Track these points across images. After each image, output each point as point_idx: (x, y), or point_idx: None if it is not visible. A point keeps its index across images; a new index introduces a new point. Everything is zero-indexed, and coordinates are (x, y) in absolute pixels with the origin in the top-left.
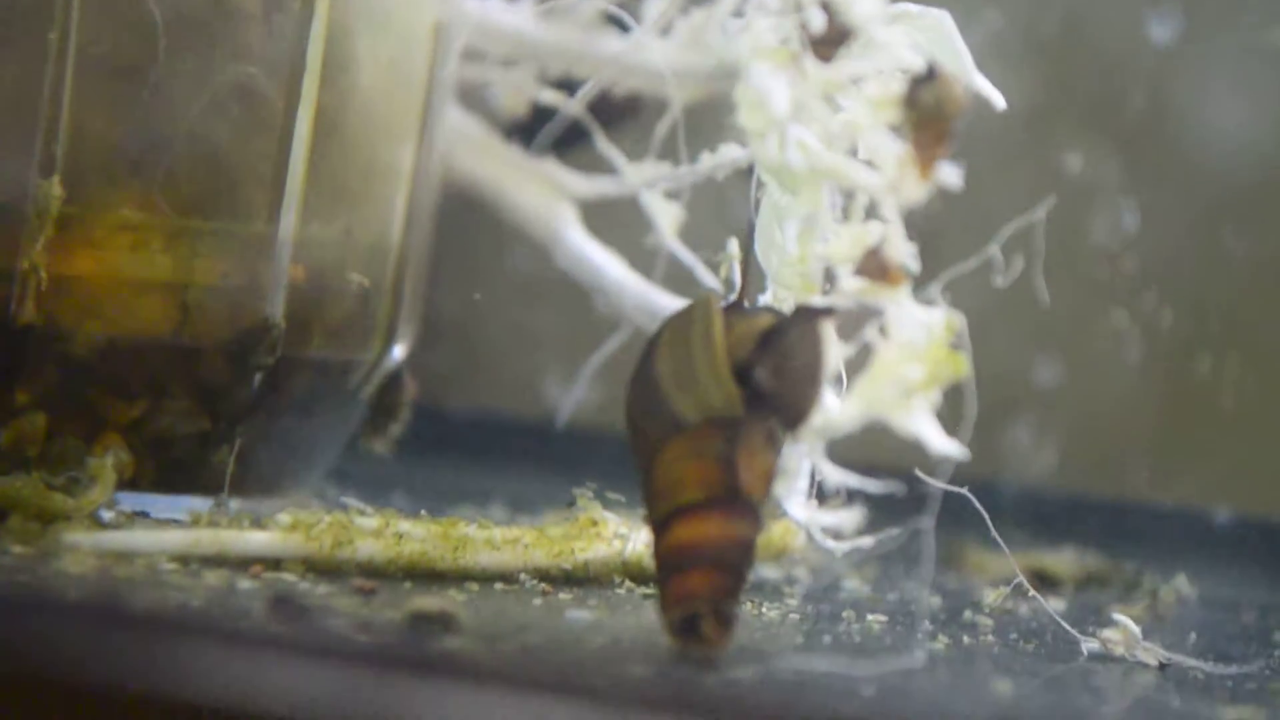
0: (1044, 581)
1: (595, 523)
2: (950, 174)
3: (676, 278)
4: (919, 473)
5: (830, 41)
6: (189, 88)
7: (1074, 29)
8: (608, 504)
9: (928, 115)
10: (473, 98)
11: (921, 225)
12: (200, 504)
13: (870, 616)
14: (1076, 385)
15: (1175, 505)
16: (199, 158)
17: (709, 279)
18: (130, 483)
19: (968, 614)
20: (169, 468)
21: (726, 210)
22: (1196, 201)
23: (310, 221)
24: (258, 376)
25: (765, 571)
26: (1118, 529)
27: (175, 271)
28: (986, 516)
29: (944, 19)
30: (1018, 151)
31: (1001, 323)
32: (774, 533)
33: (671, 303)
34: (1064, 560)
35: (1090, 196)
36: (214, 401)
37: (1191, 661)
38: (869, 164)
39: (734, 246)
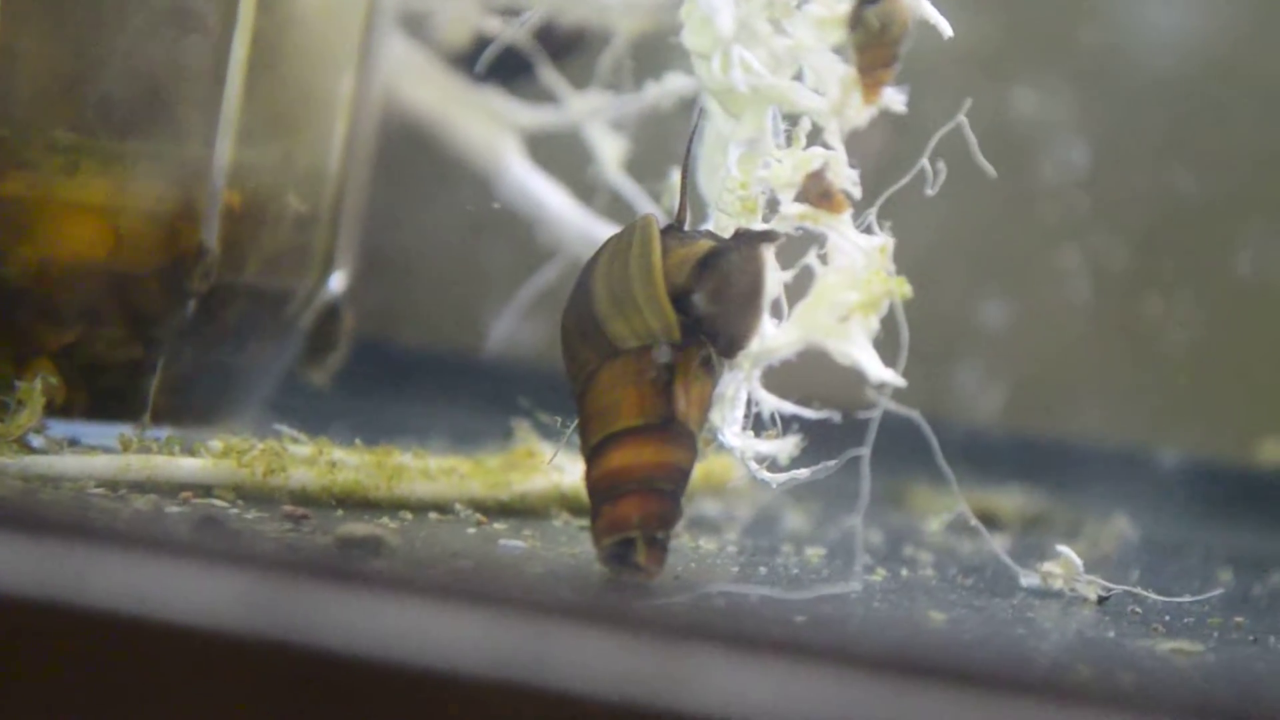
0: (988, 521)
1: (533, 454)
2: (894, 98)
3: (619, 209)
4: (864, 401)
5: None
6: (123, 8)
7: None
8: (548, 436)
9: (873, 37)
10: (415, 26)
11: (870, 157)
12: (132, 432)
13: (809, 550)
14: (1023, 325)
15: (1122, 446)
16: (134, 79)
17: (652, 209)
18: (62, 410)
19: (909, 549)
20: (101, 396)
21: (671, 141)
22: (1146, 140)
23: (247, 146)
24: (192, 303)
25: (705, 506)
26: (1063, 469)
27: (109, 195)
28: (935, 442)
29: None
30: (968, 85)
31: (949, 261)
32: (714, 466)
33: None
34: (1009, 500)
35: (1040, 134)
36: (147, 328)
37: (1134, 590)
38: (813, 88)
39: (676, 176)
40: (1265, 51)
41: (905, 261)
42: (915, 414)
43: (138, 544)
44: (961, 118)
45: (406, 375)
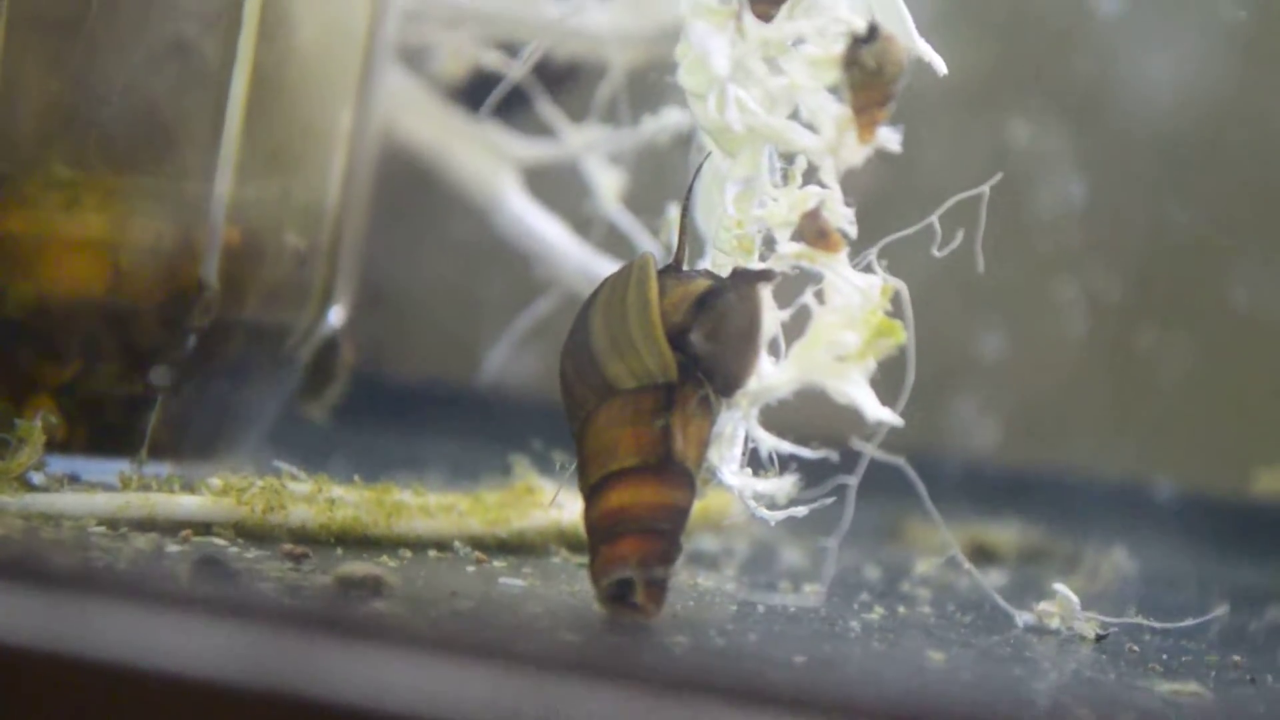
0: (986, 555)
1: (531, 490)
2: (889, 137)
3: (616, 243)
4: (855, 441)
5: (770, 1)
6: (124, 43)
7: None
8: (546, 471)
9: (868, 77)
10: (413, 59)
11: (866, 193)
12: (131, 468)
13: (807, 587)
14: (1020, 358)
15: (1117, 478)
16: (134, 115)
17: (649, 244)
18: (62, 445)
19: (906, 585)
20: (102, 430)
21: (668, 175)
22: (1141, 174)
23: (246, 182)
24: (191, 339)
25: (703, 542)
26: (1060, 502)
27: (109, 231)
28: (922, 488)
29: None
30: (963, 121)
31: (945, 294)
32: (713, 502)
33: (611, 268)
34: (1006, 533)
35: (1035, 168)
36: (147, 364)
37: (1134, 621)
38: (809, 127)
39: (674, 211)
40: (1260, 86)
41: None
42: (901, 460)
43: (138, 592)
44: (985, 189)
45: (405, 407)
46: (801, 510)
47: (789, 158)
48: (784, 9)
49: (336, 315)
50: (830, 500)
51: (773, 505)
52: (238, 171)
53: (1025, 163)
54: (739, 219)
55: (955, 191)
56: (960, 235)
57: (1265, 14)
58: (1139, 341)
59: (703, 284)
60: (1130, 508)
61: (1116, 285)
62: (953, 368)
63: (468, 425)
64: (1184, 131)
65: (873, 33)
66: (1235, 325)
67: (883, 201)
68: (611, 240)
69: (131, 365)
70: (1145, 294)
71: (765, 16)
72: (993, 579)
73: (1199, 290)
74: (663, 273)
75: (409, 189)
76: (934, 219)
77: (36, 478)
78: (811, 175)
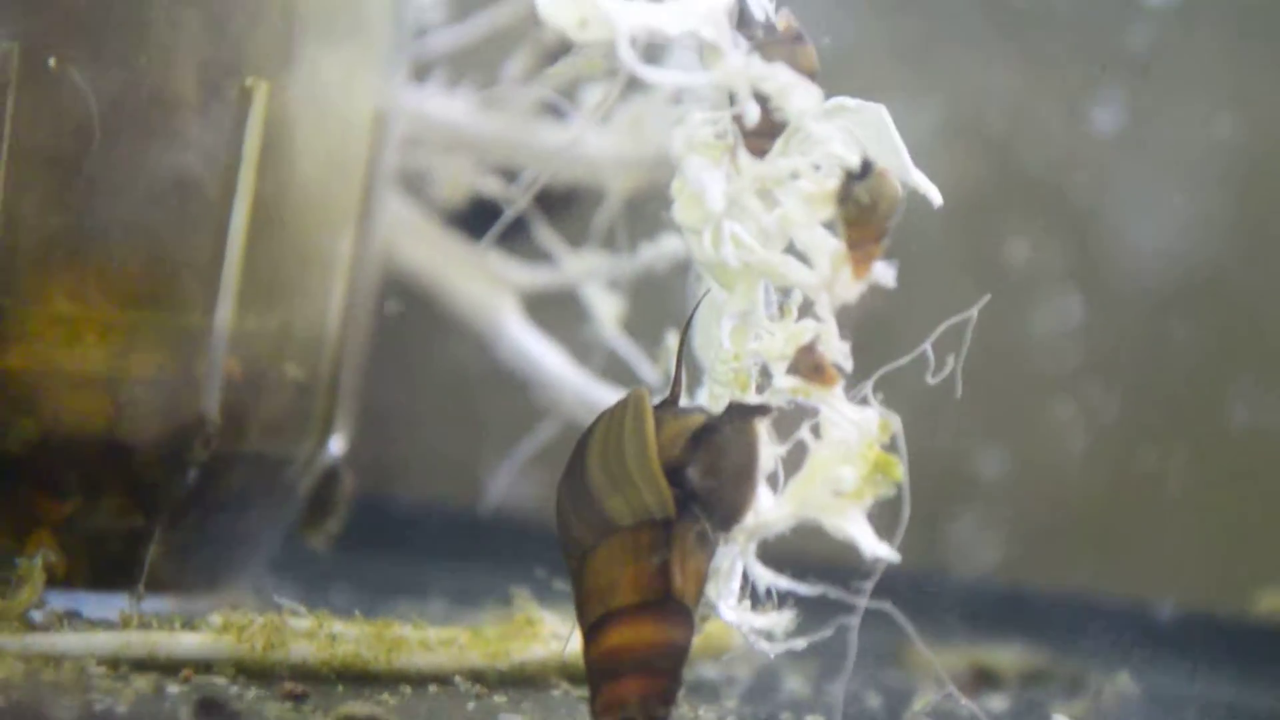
0: (987, 678)
1: (532, 622)
2: (884, 272)
3: (616, 369)
4: (850, 585)
5: (765, 135)
6: (125, 178)
7: (1018, 118)
8: (548, 600)
9: (861, 213)
10: (413, 185)
11: (863, 319)
12: (130, 604)
13: (809, 717)
14: (1021, 476)
15: (1119, 599)
16: (134, 249)
17: (649, 371)
18: (64, 581)
19: (907, 716)
20: (103, 565)
21: (667, 301)
22: (1140, 291)
23: (246, 314)
24: (192, 473)
25: (704, 671)
26: (1062, 622)
27: (109, 365)
28: (910, 629)
29: (881, 113)
30: (963, 239)
31: (945, 412)
32: (714, 631)
33: (610, 396)
34: (1008, 655)
35: (1034, 286)
36: (148, 498)
37: None
38: (804, 260)
39: (672, 340)
40: (1259, 205)
41: (901, 410)
42: (888, 605)
43: None
44: (973, 313)
45: (408, 531)
46: (800, 643)
47: (785, 291)
48: (778, 144)
49: (338, 444)
50: (826, 633)
51: (772, 639)
52: (238, 304)
53: (1024, 280)
54: (735, 352)
55: (954, 310)
56: (952, 360)
57: (1263, 135)
58: (1139, 461)
59: (699, 419)
60: (1132, 628)
61: (1116, 404)
62: (953, 488)
63: (470, 550)
64: (1183, 250)
65: (866, 168)
66: (1235, 445)
67: (880, 324)
68: (612, 367)
69: (132, 499)
70: (1145, 413)
71: (759, 152)
72: (994, 704)
73: (1199, 409)
74: (659, 407)
75: (410, 313)
76: (927, 346)
77: (37, 616)
78: (808, 308)
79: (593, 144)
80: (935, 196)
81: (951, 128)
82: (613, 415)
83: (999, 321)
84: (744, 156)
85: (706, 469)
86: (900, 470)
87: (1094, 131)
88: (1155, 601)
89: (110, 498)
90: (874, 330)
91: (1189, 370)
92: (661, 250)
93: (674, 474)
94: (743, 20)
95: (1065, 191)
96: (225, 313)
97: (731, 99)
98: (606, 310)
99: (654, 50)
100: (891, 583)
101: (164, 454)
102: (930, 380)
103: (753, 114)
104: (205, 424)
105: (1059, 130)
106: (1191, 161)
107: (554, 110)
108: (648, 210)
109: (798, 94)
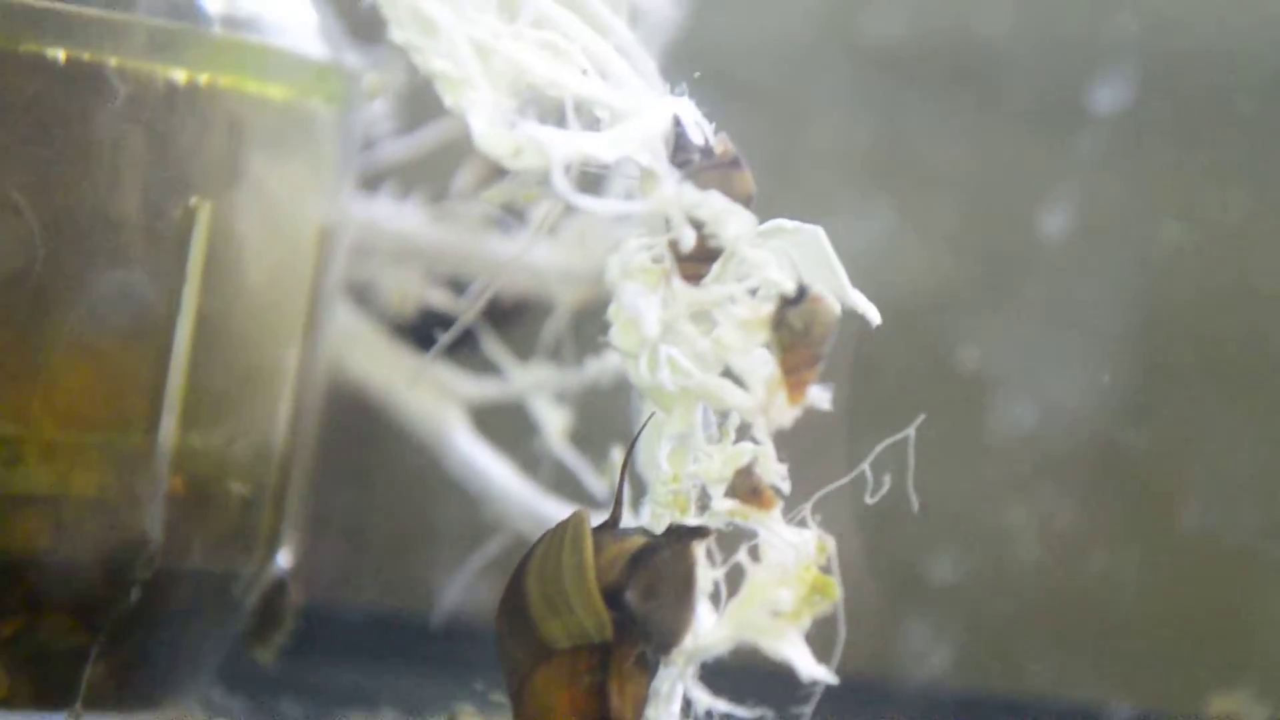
0: None
1: None
2: (820, 396)
3: (564, 482)
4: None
5: (702, 259)
6: (68, 296)
7: (967, 222)
8: (493, 710)
9: (796, 338)
10: (362, 295)
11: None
12: None
13: None
14: (974, 581)
15: (1076, 702)
16: (77, 368)
17: (596, 484)
18: (5, 700)
19: None
20: (46, 685)
21: (613, 415)
22: (1091, 393)
23: (190, 431)
24: (135, 591)
25: None
26: None
27: (51, 485)
28: None
29: (818, 235)
30: (912, 344)
31: (897, 517)
32: None
33: (558, 510)
34: None
35: (983, 392)
36: (91, 617)
37: None
38: (741, 384)
39: (617, 455)
40: (1210, 306)
41: (855, 516)
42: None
43: None
44: (909, 432)
45: (357, 640)
46: None
47: (724, 413)
48: (714, 269)
49: (285, 557)
50: None
51: None
52: (181, 421)
53: (973, 386)
54: (674, 474)
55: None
56: (888, 480)
57: (1211, 236)
58: (1090, 565)
59: (638, 540)
60: None
61: (1068, 508)
62: (904, 593)
63: (420, 659)
64: (1136, 352)
65: (801, 294)
66: (1186, 548)
67: (824, 433)
68: (560, 479)
69: (75, 618)
70: (1096, 517)
71: (696, 276)
72: None
73: (1150, 512)
74: (599, 529)
75: (359, 424)
76: (865, 466)
77: None
78: (746, 431)
79: (540, 256)
80: (874, 316)
81: (902, 224)
82: (552, 537)
83: (949, 426)
84: (679, 282)
85: (645, 591)
86: (837, 590)
87: (1045, 233)
88: (1111, 705)
89: (53, 617)
90: (818, 442)
91: (1141, 473)
92: (606, 365)
93: (613, 596)
94: (680, 145)
95: (1014, 293)
96: (169, 431)
97: (668, 224)
98: (554, 423)
99: (595, 174)
100: (848, 682)
101: (107, 572)
102: (870, 501)
103: (688, 239)
104: (148, 542)
105: (1010, 229)
106: (1140, 262)
107: (502, 223)
108: (595, 322)
109: (732, 221)
